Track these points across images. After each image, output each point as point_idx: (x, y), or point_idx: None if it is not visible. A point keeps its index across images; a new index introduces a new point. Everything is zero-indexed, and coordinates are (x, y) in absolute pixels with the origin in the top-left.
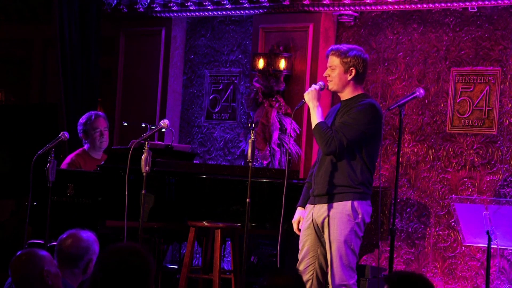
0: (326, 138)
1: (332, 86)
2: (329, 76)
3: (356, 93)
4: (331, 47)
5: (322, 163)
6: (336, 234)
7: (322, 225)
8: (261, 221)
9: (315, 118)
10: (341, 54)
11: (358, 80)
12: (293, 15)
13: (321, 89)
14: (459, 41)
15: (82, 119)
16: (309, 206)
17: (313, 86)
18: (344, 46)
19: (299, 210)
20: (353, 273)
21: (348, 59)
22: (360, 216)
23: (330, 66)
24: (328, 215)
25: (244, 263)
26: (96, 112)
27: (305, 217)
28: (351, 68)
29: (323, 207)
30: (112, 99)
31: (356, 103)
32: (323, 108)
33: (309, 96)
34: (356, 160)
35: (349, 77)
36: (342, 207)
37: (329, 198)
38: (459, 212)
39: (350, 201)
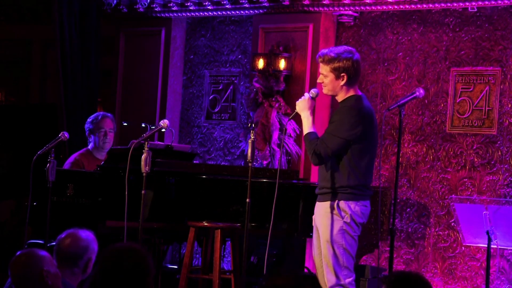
0: (312, 149)
1: (326, 91)
2: (323, 82)
3: (347, 96)
4: (319, 54)
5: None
6: (326, 234)
7: (316, 223)
8: (261, 221)
9: (305, 128)
10: (330, 61)
11: (351, 83)
12: (293, 15)
13: (313, 97)
14: (459, 41)
15: (90, 118)
16: None
17: (306, 94)
18: (332, 52)
19: None
20: (349, 272)
21: (338, 65)
22: (348, 215)
23: (322, 73)
24: (318, 215)
25: (244, 263)
26: (104, 112)
27: None
28: (342, 74)
29: (317, 205)
30: (112, 99)
31: (341, 108)
32: (324, 109)
33: (300, 106)
34: (343, 165)
35: (342, 82)
36: (328, 207)
37: (319, 197)
38: (459, 212)
39: (336, 201)
